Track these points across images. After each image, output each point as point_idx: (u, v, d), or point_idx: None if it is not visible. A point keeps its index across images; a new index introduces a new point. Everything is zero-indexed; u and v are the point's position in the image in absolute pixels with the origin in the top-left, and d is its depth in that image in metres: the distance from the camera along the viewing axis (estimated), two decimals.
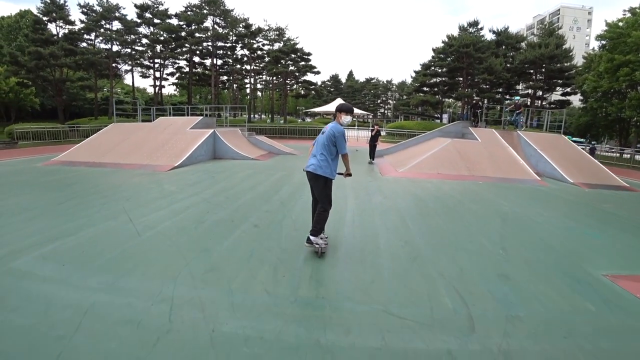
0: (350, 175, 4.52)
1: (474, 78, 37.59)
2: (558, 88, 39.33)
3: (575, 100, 41.48)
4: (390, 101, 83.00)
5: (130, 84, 44.46)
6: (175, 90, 57.94)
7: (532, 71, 38.29)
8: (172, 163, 11.80)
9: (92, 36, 35.01)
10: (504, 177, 11.90)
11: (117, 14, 34.07)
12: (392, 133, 31.93)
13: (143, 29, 38.06)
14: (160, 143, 13.85)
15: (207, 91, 53.63)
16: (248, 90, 66.11)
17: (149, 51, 37.29)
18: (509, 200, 8.42)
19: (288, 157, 15.79)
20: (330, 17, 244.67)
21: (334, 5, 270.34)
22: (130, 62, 37.03)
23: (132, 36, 35.19)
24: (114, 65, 34.94)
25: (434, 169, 11.98)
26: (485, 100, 39.83)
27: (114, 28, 35.34)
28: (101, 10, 33.03)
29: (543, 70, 36.90)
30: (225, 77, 43.86)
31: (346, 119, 4.42)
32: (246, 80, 52.21)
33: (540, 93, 40.31)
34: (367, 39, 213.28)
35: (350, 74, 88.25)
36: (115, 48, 35.72)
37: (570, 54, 36.61)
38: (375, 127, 15.31)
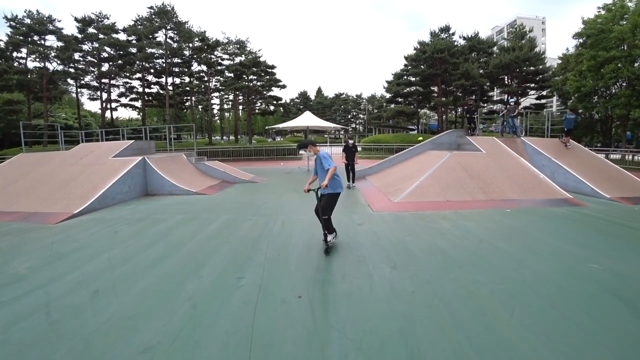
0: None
1: (449, 85, 35.81)
2: (532, 92, 38.29)
3: (550, 103, 40.73)
4: (362, 115, 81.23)
5: (92, 108, 39.67)
6: (138, 114, 53.19)
7: (506, 75, 37.07)
8: (70, 210, 8.10)
9: (24, 53, 30.54)
10: (528, 197, 9.13)
11: (50, 27, 29.80)
12: (369, 148, 29.19)
13: (87, 46, 34.01)
14: (68, 179, 10.14)
15: (170, 113, 49.50)
16: (215, 111, 62.54)
17: (93, 69, 33.10)
18: (566, 238, 5.38)
19: (246, 186, 12.35)
20: (295, 36, 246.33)
21: (298, 24, 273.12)
22: (71, 83, 32.63)
23: (72, 53, 30.91)
24: (51, 86, 30.43)
25: (440, 194, 8.90)
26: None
27: (51, 44, 31.05)
28: (30, 22, 28.66)
29: (516, 73, 35.69)
30: (186, 97, 40.02)
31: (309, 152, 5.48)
32: (213, 101, 48.70)
33: (515, 98, 39.13)
34: (333, 56, 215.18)
35: (319, 90, 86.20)
36: (55, 67, 31.41)
37: (543, 56, 35.61)
38: (350, 141, 12.32)
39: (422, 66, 34.26)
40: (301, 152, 5.48)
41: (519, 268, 4.29)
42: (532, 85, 37.42)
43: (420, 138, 27.21)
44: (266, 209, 8.02)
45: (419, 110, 39.31)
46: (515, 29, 37.49)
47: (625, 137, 26.83)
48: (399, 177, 11.17)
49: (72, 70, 31.74)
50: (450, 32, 35.64)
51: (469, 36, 37.63)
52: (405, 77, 37.24)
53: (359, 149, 16.57)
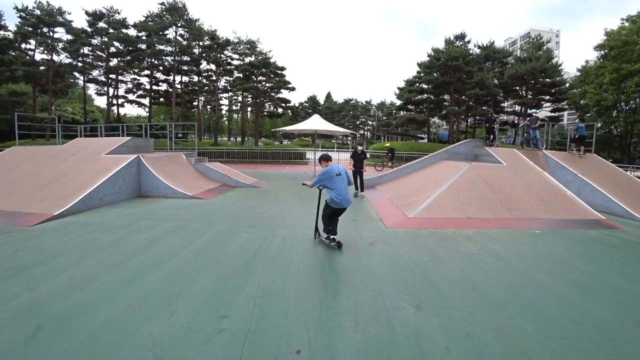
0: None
1: (462, 94, 34.89)
2: (547, 104, 37.21)
3: (561, 116, 39.55)
4: (370, 122, 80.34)
5: (102, 104, 39.26)
6: (146, 111, 52.68)
7: (520, 87, 36.04)
8: (50, 211, 7.32)
9: (32, 45, 30.19)
10: (556, 217, 8.23)
11: (60, 19, 29.41)
12: (377, 155, 28.32)
13: (97, 40, 33.64)
14: (56, 176, 9.41)
15: (177, 112, 49.03)
16: (224, 111, 62.13)
17: (101, 64, 32.67)
18: (616, 271, 4.49)
19: (247, 191, 11.53)
20: (305, 41, 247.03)
21: (309, 29, 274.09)
22: (78, 77, 32.23)
23: (80, 46, 30.50)
24: (57, 79, 29.98)
25: (460, 209, 8.00)
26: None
27: (60, 37, 30.68)
28: (39, 13, 28.28)
29: (531, 85, 34.65)
30: (194, 96, 39.46)
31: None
32: (222, 102, 48.26)
33: (528, 109, 38.08)
34: (343, 61, 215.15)
35: (329, 95, 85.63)
36: (62, 60, 31.02)
37: (559, 68, 34.54)
38: (359, 147, 11.68)
39: (435, 73, 33.39)
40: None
41: (576, 315, 3.39)
42: (547, 97, 36.39)
43: (387, 144, 26.14)
44: (265, 220, 7.18)
45: (430, 118, 38.34)
46: (532, 40, 36.48)
47: None
48: (413, 188, 10.27)
49: (79, 64, 31.28)
50: (466, 40, 34.76)
51: (484, 45, 36.76)
52: (418, 85, 36.36)
53: (368, 155, 15.75)
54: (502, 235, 6.57)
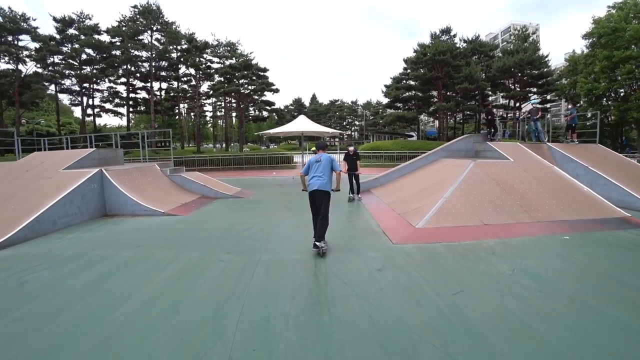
0: (339, 190, 5.68)
1: (450, 89, 34.22)
2: (534, 96, 36.82)
3: (554, 106, 39.31)
4: (357, 122, 79.51)
5: (78, 115, 37.25)
6: (122, 120, 50.47)
7: (508, 79, 35.59)
8: None
9: None
10: (578, 217, 7.31)
11: (25, 26, 27.63)
12: (367, 155, 27.35)
13: (67, 48, 31.86)
14: (4, 196, 8.07)
15: (157, 119, 47.25)
16: (208, 118, 60.47)
17: (72, 72, 30.92)
18: None
19: (229, 203, 10.30)
20: (289, 45, 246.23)
21: (292, 33, 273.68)
22: (47, 87, 30.43)
23: (47, 54, 28.77)
24: (26, 90, 28.11)
25: (473, 215, 6.95)
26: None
27: (25, 45, 28.89)
28: (2, 20, 26.43)
29: (519, 77, 34.20)
30: (174, 103, 37.86)
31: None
32: (206, 108, 46.75)
33: (516, 103, 37.73)
34: (327, 64, 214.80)
35: (314, 97, 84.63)
36: (29, 70, 29.24)
37: (546, 59, 34.14)
38: (350, 148, 10.83)
39: (422, 69, 32.64)
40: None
41: None
42: (534, 90, 36.02)
43: (313, 148, 25.25)
44: (247, 240, 6.00)
45: (419, 115, 37.58)
46: (518, 32, 36.03)
47: None
48: (415, 191, 9.20)
49: (47, 72, 29.50)
50: (451, 34, 34.11)
51: (470, 39, 36.17)
52: (405, 82, 35.55)
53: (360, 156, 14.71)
54: (529, 245, 5.54)
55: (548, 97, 36.48)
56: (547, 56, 34.31)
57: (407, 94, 35.20)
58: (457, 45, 33.05)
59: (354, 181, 10.30)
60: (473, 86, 29.72)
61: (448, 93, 34.96)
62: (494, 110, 12.76)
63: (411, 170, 11.97)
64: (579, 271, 4.45)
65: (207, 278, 4.27)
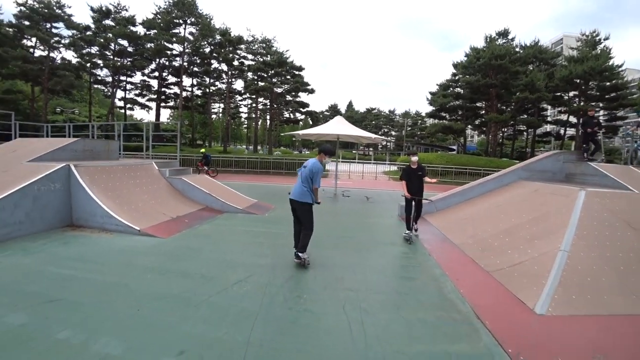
0: (318, 203, 4.96)
1: (504, 99, 30.50)
2: (601, 111, 32.26)
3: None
4: (394, 132, 75.78)
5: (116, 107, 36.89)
6: (149, 113, 50.07)
7: (568, 92, 31.37)
8: None
9: (33, 42, 27.89)
10: None
11: (59, 13, 26.98)
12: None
13: (102, 39, 31.24)
14: None
15: (199, 118, 46.36)
16: (243, 119, 59.43)
17: (106, 62, 30.13)
18: None
19: (234, 222, 7.79)
20: (328, 52, 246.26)
21: (328, 41, 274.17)
22: (78, 76, 29.75)
23: (79, 41, 28.05)
24: (56, 77, 27.41)
25: (623, 289, 4.00)
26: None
27: (59, 32, 28.30)
28: (38, 6, 25.87)
29: (585, 89, 29.93)
30: (205, 100, 36.50)
31: (327, 160, 5.18)
32: (241, 109, 45.53)
33: (581, 117, 33.29)
34: (364, 73, 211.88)
35: (350, 104, 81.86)
36: (59, 57, 28.67)
37: (619, 69, 29.63)
38: (413, 158, 6.89)
39: (471, 76, 29.15)
40: (327, 159, 5.09)
41: None
42: (601, 104, 31.53)
43: (202, 150, 21.87)
44: (229, 314, 3.40)
45: (467, 126, 33.95)
46: (587, 37, 31.66)
47: None
48: (498, 229, 6.26)
49: (79, 61, 28.81)
50: (509, 37, 30.41)
51: (527, 45, 32.23)
52: (452, 89, 32.14)
53: (390, 167, 11.70)
54: None
55: (618, 114, 31.88)
56: (621, 66, 29.84)
57: (454, 102, 31.76)
58: (517, 49, 29.30)
59: (415, 210, 6.72)
60: (534, 96, 25.96)
61: (499, 104, 31.26)
62: (596, 121, 9.50)
63: (479, 194, 9.01)
64: None
65: None
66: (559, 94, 32.13)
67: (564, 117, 35.06)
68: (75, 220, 6.77)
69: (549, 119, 39.01)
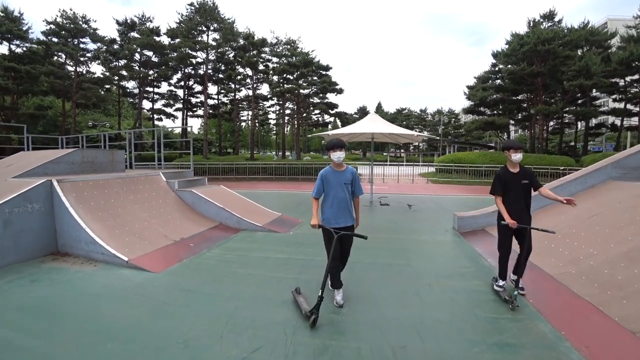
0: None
1: (550, 89, 27.55)
2: None
3: None
4: (426, 132, 72.72)
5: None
6: (174, 122, 50.20)
7: (631, 76, 27.89)
8: None
9: (63, 58, 28.34)
10: None
11: (84, 27, 27.24)
12: (446, 169, 22.25)
13: (127, 51, 31.42)
14: None
15: (228, 126, 46.28)
16: (272, 125, 59.05)
17: (133, 74, 30.19)
18: None
19: (254, 241, 6.39)
20: (352, 55, 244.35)
21: (355, 41, 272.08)
22: (106, 89, 29.98)
23: (105, 54, 28.22)
24: (82, 91, 27.66)
25: None
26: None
27: (86, 47, 28.64)
28: (63, 22, 26.21)
29: None
30: (235, 106, 35.96)
31: (334, 155, 3.63)
32: (270, 116, 44.90)
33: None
34: (391, 73, 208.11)
35: (379, 106, 79.57)
36: (98, 72, 28.99)
37: None
38: (513, 155, 3.73)
39: (514, 65, 26.45)
40: (337, 155, 3.51)
41: None
42: None
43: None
44: None
45: (511, 120, 31.10)
46: None
47: None
48: (614, 252, 4.38)
49: (106, 74, 28.97)
50: (555, 19, 27.49)
51: (575, 28, 29.02)
52: (491, 82, 29.53)
53: (430, 168, 9.74)
54: None
55: None
56: None
57: (495, 96, 29.12)
58: (566, 32, 26.37)
59: (520, 249, 3.78)
60: (590, 82, 23.02)
61: (544, 96, 28.29)
62: None
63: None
64: None
65: None
66: (614, 80, 28.78)
67: (618, 105, 31.44)
68: (60, 246, 5.60)
69: (602, 108, 35.23)
